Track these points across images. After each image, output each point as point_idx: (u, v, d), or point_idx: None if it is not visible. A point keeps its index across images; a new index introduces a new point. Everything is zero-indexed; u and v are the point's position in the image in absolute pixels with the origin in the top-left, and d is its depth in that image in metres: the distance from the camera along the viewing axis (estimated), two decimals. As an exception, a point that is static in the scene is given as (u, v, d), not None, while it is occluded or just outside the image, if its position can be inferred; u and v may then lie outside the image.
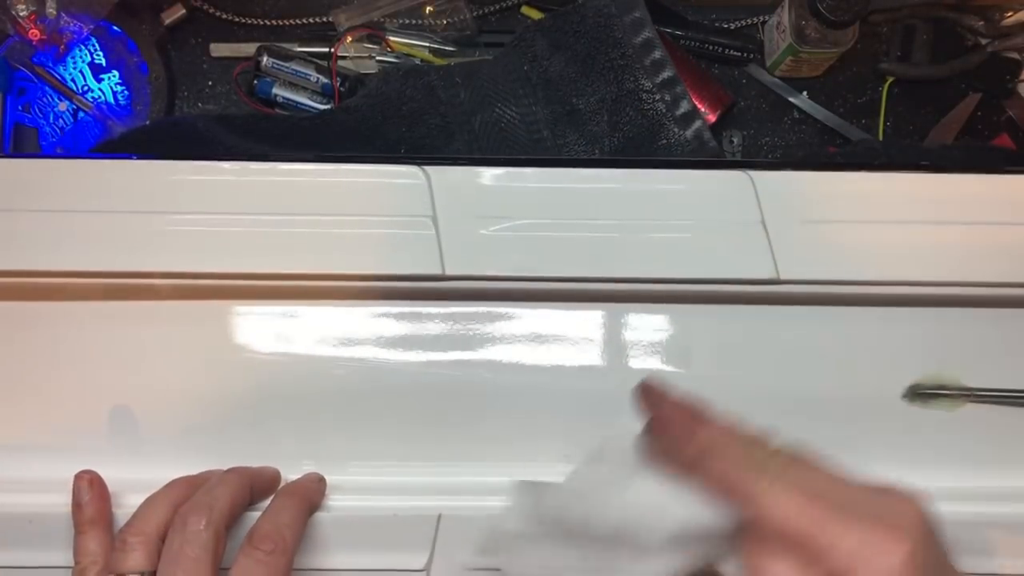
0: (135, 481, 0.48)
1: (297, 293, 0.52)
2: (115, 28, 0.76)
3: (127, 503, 0.48)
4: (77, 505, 0.47)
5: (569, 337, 0.54)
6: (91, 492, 0.47)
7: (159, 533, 0.44)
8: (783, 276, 0.51)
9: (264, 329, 0.53)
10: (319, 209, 0.51)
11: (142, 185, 0.52)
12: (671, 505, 0.39)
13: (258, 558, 0.43)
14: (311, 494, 0.49)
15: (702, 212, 0.52)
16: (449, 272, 0.51)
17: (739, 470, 0.37)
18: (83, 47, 0.77)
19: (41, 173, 0.52)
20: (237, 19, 0.79)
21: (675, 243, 0.52)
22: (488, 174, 0.53)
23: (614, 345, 0.53)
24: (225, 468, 0.50)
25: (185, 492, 0.46)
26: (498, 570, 0.50)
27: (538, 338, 0.53)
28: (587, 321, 0.54)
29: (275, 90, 0.77)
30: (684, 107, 0.73)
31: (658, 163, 0.55)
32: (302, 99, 0.77)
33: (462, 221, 0.52)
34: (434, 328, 0.53)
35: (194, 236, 0.51)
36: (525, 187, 0.52)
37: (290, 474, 0.51)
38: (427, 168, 0.52)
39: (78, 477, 0.48)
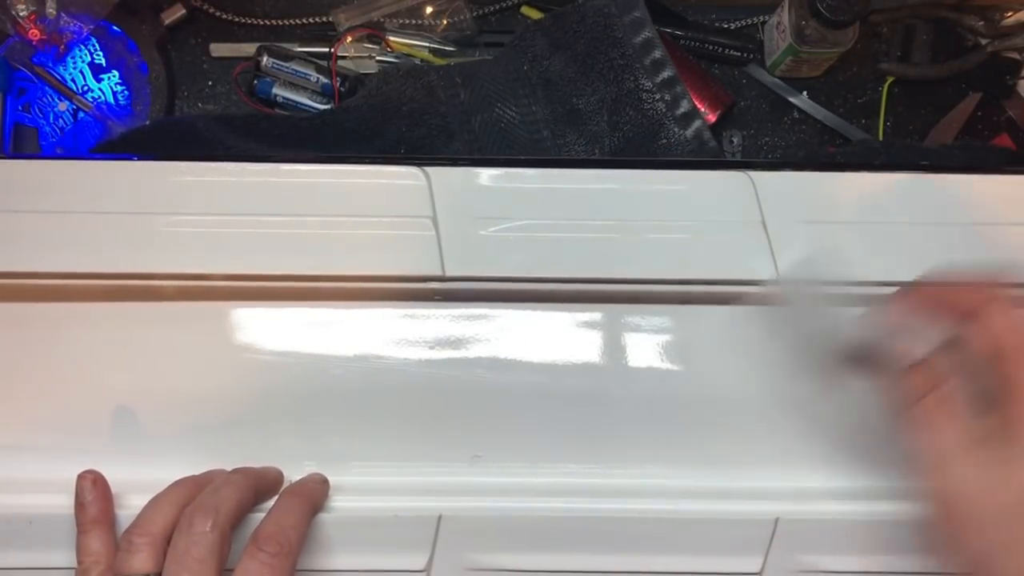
0: (137, 482, 0.48)
1: (298, 294, 0.52)
2: (115, 28, 0.76)
3: (129, 504, 0.48)
4: (80, 505, 0.47)
5: (569, 338, 0.53)
6: (94, 491, 0.47)
7: (165, 534, 0.44)
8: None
9: (265, 330, 0.53)
10: (319, 210, 0.51)
11: (142, 186, 0.52)
12: None
13: (263, 560, 0.43)
14: (315, 495, 0.49)
15: (702, 213, 0.52)
16: (449, 273, 0.51)
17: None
18: (83, 47, 0.77)
19: (41, 174, 0.52)
20: (237, 19, 0.79)
21: (675, 244, 0.52)
22: (488, 175, 0.53)
23: (614, 346, 0.53)
24: (228, 468, 0.50)
25: (190, 493, 0.46)
26: (500, 571, 0.50)
27: (538, 339, 0.53)
28: (587, 322, 0.54)
29: (275, 90, 0.77)
30: (684, 107, 0.73)
31: (658, 163, 0.55)
32: (302, 99, 0.77)
33: (462, 222, 0.52)
34: (434, 329, 0.53)
35: (194, 237, 0.51)
36: (525, 188, 0.53)
37: (292, 474, 0.51)
38: (427, 169, 0.52)
39: (81, 477, 0.48)
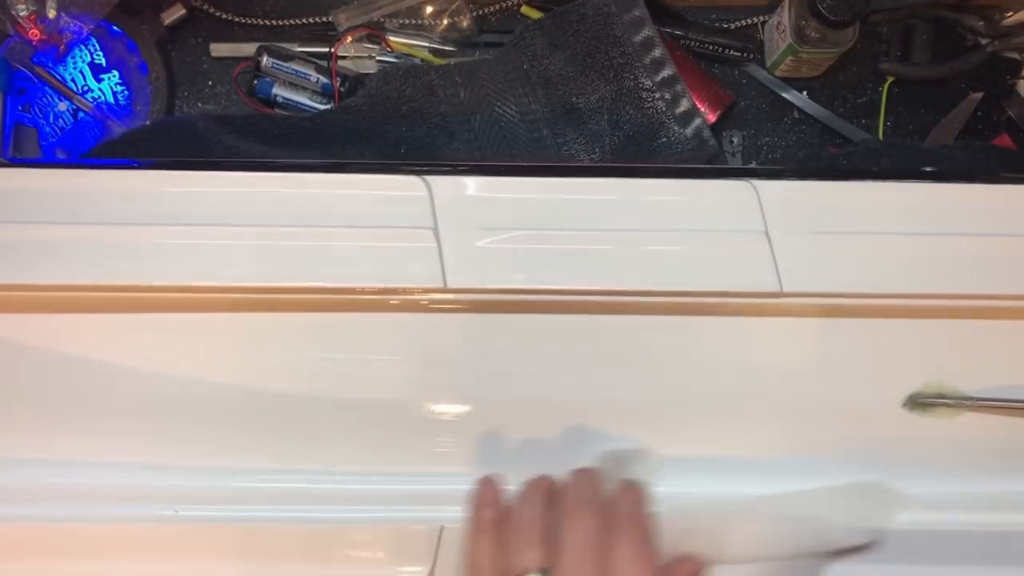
0: (137, 484, 0.49)
1: (299, 305, 0.52)
2: (115, 28, 0.76)
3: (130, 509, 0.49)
4: (478, 506, 0.47)
5: (570, 348, 0.54)
6: (490, 493, 0.48)
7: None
8: (786, 288, 0.51)
9: (267, 338, 0.53)
10: (321, 221, 0.51)
11: (140, 195, 0.51)
12: None
13: None
14: None
15: (704, 222, 0.52)
16: (451, 284, 0.51)
17: None
18: (83, 47, 0.77)
19: (36, 183, 0.52)
20: (237, 19, 0.79)
21: (677, 254, 0.51)
22: (489, 184, 0.53)
23: (616, 357, 0.53)
24: (234, 470, 0.51)
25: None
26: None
27: (539, 349, 0.54)
28: (588, 332, 0.54)
29: (275, 90, 0.77)
30: (684, 105, 0.73)
31: (660, 172, 0.55)
32: (302, 99, 0.77)
33: (463, 232, 0.51)
34: (435, 339, 0.53)
35: (191, 248, 0.51)
36: (526, 198, 0.52)
37: (286, 479, 0.51)
38: (428, 178, 0.52)
39: (480, 481, 0.49)
